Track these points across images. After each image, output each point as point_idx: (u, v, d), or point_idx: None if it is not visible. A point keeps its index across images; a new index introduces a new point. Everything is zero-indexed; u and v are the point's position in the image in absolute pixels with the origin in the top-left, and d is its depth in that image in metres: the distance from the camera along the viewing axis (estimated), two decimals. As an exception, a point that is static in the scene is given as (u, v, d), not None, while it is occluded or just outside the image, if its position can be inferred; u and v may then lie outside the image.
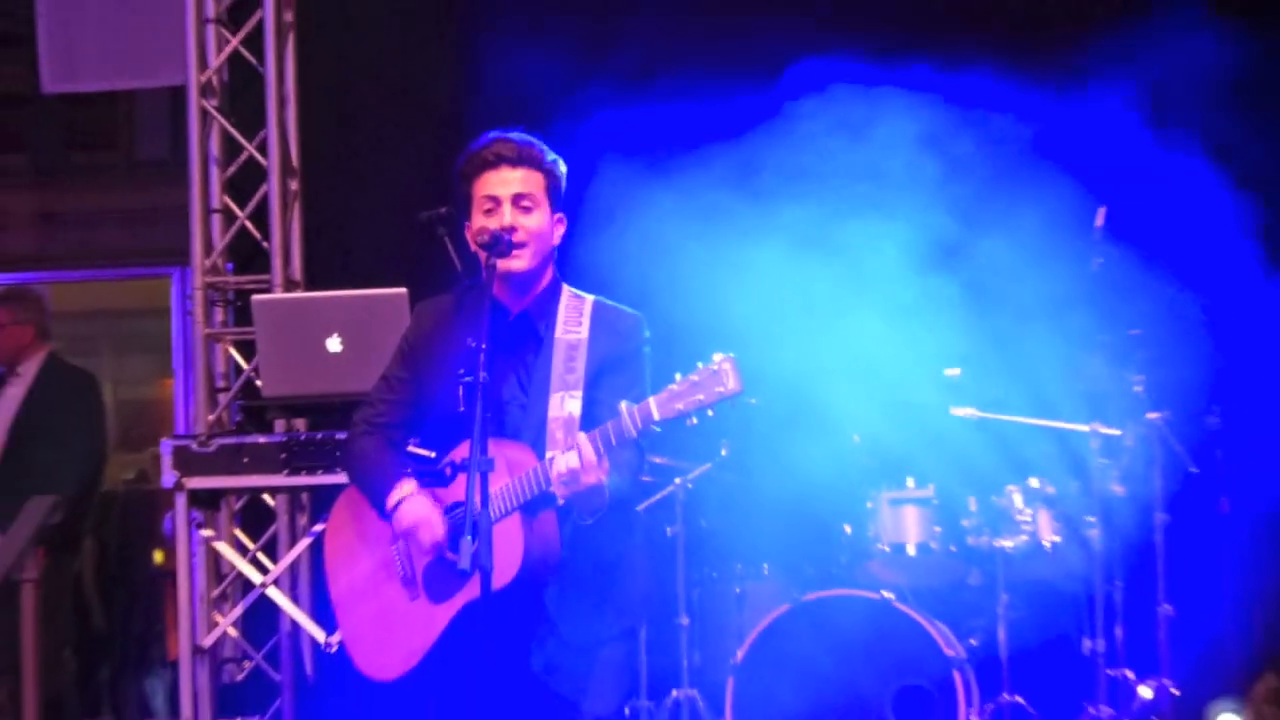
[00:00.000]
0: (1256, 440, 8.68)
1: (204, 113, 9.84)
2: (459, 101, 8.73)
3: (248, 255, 9.86)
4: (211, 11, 9.90)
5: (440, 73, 9.71)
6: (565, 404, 5.98)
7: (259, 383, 9.19)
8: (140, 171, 11.17)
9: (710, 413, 5.64)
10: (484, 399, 5.55)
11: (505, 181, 5.96)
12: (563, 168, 5.98)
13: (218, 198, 9.87)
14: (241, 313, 9.60)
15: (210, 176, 9.88)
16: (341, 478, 7.12)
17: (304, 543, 9.05)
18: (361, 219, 9.59)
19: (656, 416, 5.58)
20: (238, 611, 9.37)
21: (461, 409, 5.88)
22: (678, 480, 8.70)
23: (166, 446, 9.12)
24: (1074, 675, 8.51)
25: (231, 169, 9.90)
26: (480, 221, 5.93)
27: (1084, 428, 8.51)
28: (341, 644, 6.45)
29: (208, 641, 9.35)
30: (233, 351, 9.68)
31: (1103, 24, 8.98)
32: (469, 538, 5.33)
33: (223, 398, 9.76)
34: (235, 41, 9.95)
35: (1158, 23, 8.47)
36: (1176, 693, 8.33)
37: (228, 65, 10.01)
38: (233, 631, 9.53)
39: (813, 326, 8.41)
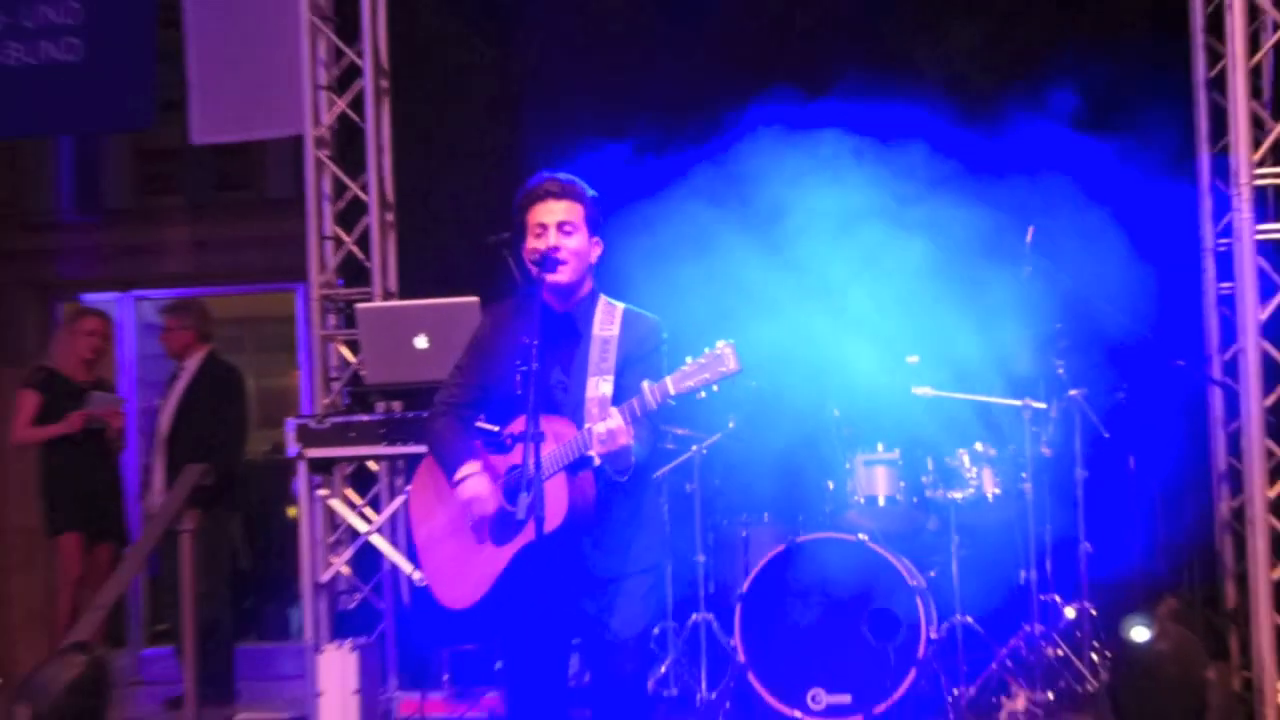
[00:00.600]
0: (1154, 412, 8.62)
1: (318, 161, 9.81)
2: (515, 148, 8.61)
3: (354, 273, 9.83)
4: (323, 80, 9.87)
5: (500, 123, 9.60)
6: (599, 386, 6.08)
7: (363, 373, 9.27)
8: (271, 207, 11.07)
9: (715, 388, 5.81)
10: (535, 383, 5.70)
11: (551, 211, 6.05)
12: (596, 198, 6.06)
13: (329, 228, 9.83)
14: (349, 318, 9.53)
15: (324, 211, 9.85)
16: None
17: (399, 499, 9.10)
18: (442, 242, 9.59)
19: (672, 391, 5.75)
20: (348, 554, 9.40)
21: (518, 391, 5.85)
22: (695, 447, 8.70)
23: (291, 425, 9.12)
24: (1012, 600, 8.52)
25: (340, 204, 9.85)
26: (532, 243, 6.05)
27: (1017, 402, 8.50)
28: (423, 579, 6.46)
29: (325, 578, 9.39)
30: (343, 349, 9.68)
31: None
32: (525, 494, 5.53)
33: (335, 386, 9.76)
34: (342, 103, 9.89)
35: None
36: (1094, 612, 8.35)
37: (336, 122, 9.88)
38: (345, 570, 9.51)
39: (800, 324, 8.32)
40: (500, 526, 6.06)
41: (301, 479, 9.48)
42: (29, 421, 10.84)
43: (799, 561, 8.31)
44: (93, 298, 14.14)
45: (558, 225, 6.01)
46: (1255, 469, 7.74)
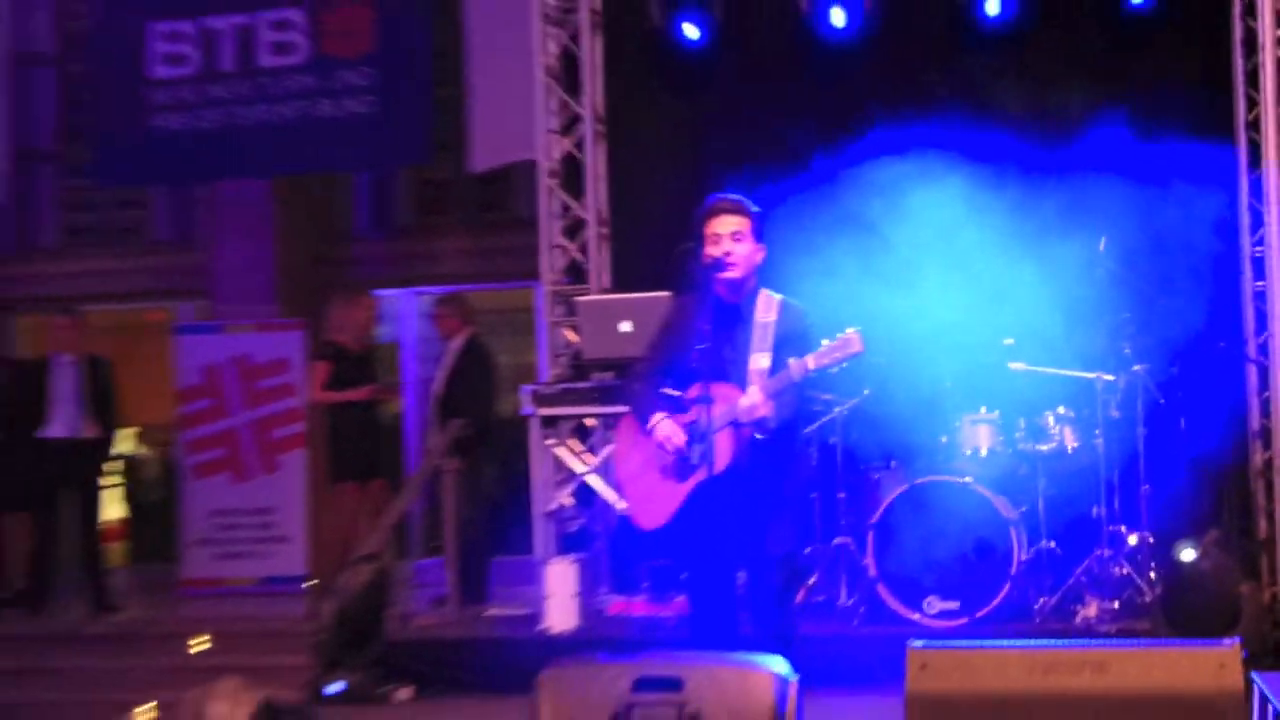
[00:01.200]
0: (1201, 383, 8.54)
1: (549, 188, 9.88)
2: (698, 174, 8.67)
3: (576, 273, 9.92)
4: (554, 125, 9.94)
5: (686, 155, 9.78)
6: (759, 360, 6.19)
7: (582, 351, 9.36)
8: (516, 223, 11.21)
9: (845, 365, 6.00)
10: (709, 358, 6.01)
11: (724, 223, 6.21)
12: (760, 213, 6.24)
13: (557, 239, 9.92)
14: (572, 308, 9.61)
15: (553, 226, 9.93)
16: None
17: (609, 448, 9.03)
18: (642, 249, 9.57)
19: (811, 367, 5.97)
20: (570, 489, 9.50)
21: (695, 364, 6.05)
22: (837, 409, 8.69)
23: (526, 390, 9.28)
24: (1086, 530, 8.48)
25: (566, 220, 9.94)
26: (709, 249, 6.21)
27: (1092, 375, 8.41)
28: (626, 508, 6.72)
29: (552, 508, 9.51)
30: (567, 332, 9.77)
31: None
32: (699, 443, 6.01)
33: (561, 360, 9.87)
34: (567, 144, 9.99)
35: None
36: (1151, 540, 8.24)
37: (563, 157, 9.95)
38: (568, 501, 9.61)
39: (922, 312, 8.45)
40: (680, 468, 6.22)
41: (534, 432, 9.56)
42: (321, 386, 11.00)
43: (918, 498, 8.32)
44: (383, 293, 14.35)
45: (730, 234, 6.16)
46: (1277, 423, 7.65)
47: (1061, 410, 8.52)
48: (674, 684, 4.70)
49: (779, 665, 4.82)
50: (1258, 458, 8.18)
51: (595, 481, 9.22)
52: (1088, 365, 8.46)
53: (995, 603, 8.03)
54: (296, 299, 13.79)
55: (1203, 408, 8.54)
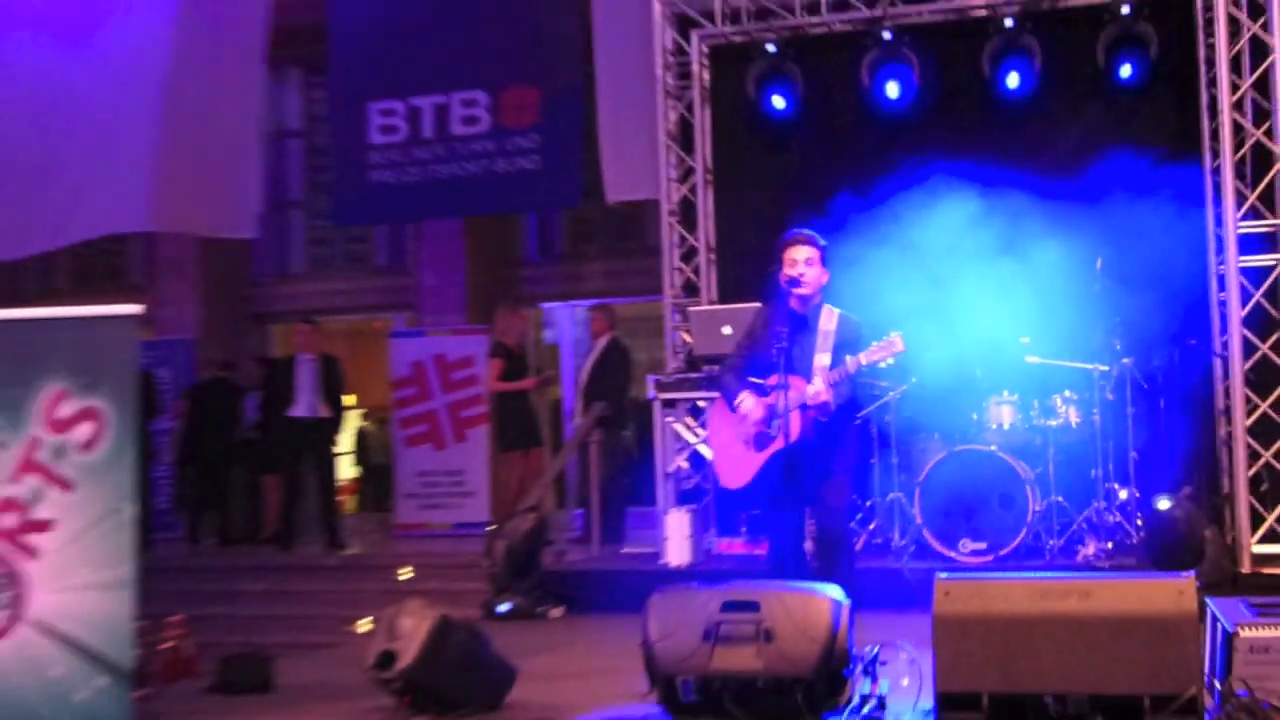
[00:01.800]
0: (1177, 372, 8.41)
1: (670, 224, 9.95)
2: (783, 211, 8.58)
3: (690, 289, 9.90)
4: (675, 175, 9.92)
5: (775, 196, 9.66)
6: (821, 359, 6.17)
7: (694, 349, 9.32)
8: (646, 249, 11.16)
9: (891, 360, 6.11)
10: (783, 355, 5.97)
11: (798, 252, 6.21)
12: (826, 245, 6.24)
13: (676, 263, 9.95)
14: (686, 316, 9.61)
15: (673, 253, 9.96)
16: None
17: None
18: (740, 270, 9.56)
19: (863, 362, 6.05)
20: (684, 455, 9.48)
21: (774, 359, 6.04)
22: (891, 394, 8.58)
23: (651, 379, 9.28)
24: (1086, 487, 8.32)
25: (682, 248, 9.99)
26: (786, 271, 6.20)
27: (1090, 366, 8.29)
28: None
29: (670, 469, 9.55)
30: (684, 335, 9.73)
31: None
32: (776, 420, 6.01)
33: (678, 356, 9.82)
34: (683, 189, 9.99)
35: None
36: (1137, 494, 8.15)
37: (680, 199, 9.98)
38: (683, 464, 9.60)
39: (957, 318, 8.23)
40: (760, 439, 6.24)
41: (657, 411, 9.56)
42: (496, 378, 11.09)
43: (954, 462, 8.23)
44: (546, 305, 14.44)
45: (803, 260, 6.16)
46: (1238, 407, 7.55)
47: (1067, 394, 8.41)
48: (753, 606, 4.73)
49: (836, 592, 4.86)
50: (1222, 430, 8.02)
51: (704, 449, 9.16)
52: (1087, 358, 8.34)
53: (1015, 544, 7.96)
54: (480, 310, 13.92)
55: (1178, 392, 8.44)
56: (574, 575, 8.81)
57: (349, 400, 13.13)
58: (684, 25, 9.97)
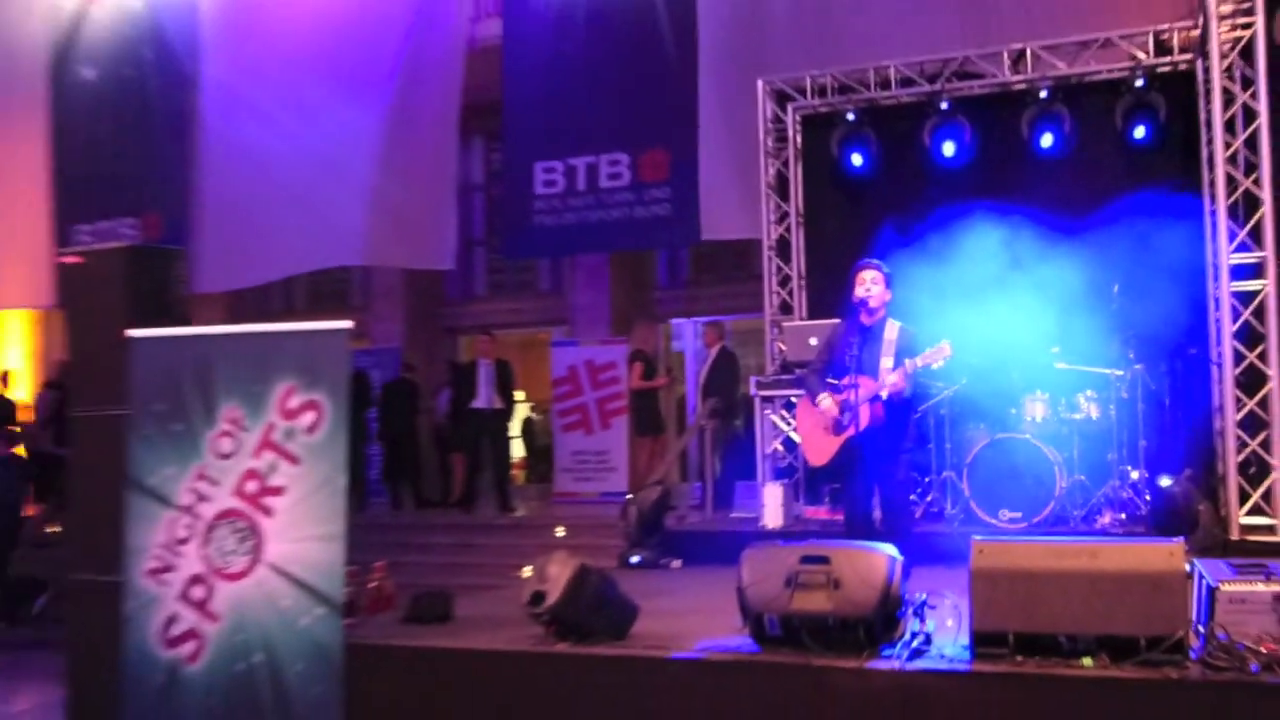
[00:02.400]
0: (1181, 376, 8.21)
1: (770, 257, 9.90)
2: (859, 245, 8.43)
3: (785, 309, 9.90)
4: (773, 218, 9.87)
5: (853, 232, 9.41)
6: (885, 362, 6.14)
7: (787, 355, 9.24)
8: (753, 277, 10.97)
9: (942, 363, 6.05)
10: (855, 360, 6.07)
11: (867, 277, 6.23)
12: (890, 272, 6.26)
13: (775, 288, 9.89)
14: (783, 330, 9.54)
15: (772, 280, 9.91)
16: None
17: None
18: (825, 293, 9.48)
19: (919, 365, 6.00)
20: (779, 439, 9.46)
21: (847, 364, 6.12)
22: (945, 391, 8.43)
23: (754, 380, 9.32)
24: (1104, 469, 8.11)
25: (779, 276, 9.93)
26: (857, 291, 6.18)
27: (1108, 370, 8.13)
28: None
29: (768, 451, 9.51)
30: (780, 344, 9.68)
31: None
32: (849, 411, 6.06)
33: (775, 362, 9.74)
34: (780, 229, 9.88)
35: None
36: (1145, 474, 7.88)
37: (777, 237, 9.90)
38: (779, 447, 9.55)
39: (1000, 329, 8.01)
40: (836, 427, 6.22)
41: (758, 405, 9.52)
42: (637, 379, 11.17)
43: (996, 447, 8.07)
44: (675, 321, 14.48)
45: (870, 282, 6.17)
46: (1229, 405, 7.34)
47: (1089, 393, 8.21)
48: (825, 560, 4.73)
49: (892, 550, 4.83)
50: (1217, 424, 7.76)
51: (794, 435, 9.12)
52: (1106, 364, 8.15)
53: (1044, 514, 7.78)
54: (621, 325, 14.03)
55: (1181, 392, 8.19)
56: (691, 534, 8.81)
57: (519, 395, 13.35)
58: (781, 99, 9.95)
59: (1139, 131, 8.73)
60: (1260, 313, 7.22)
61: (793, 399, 9.34)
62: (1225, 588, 4.29)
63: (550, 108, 12.52)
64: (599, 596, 5.15)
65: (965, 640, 4.54)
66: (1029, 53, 9.11)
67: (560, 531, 10.24)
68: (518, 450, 15.62)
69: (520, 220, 12.76)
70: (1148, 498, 7.63)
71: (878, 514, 6.29)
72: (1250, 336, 7.26)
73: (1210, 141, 7.55)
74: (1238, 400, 7.25)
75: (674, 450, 11.05)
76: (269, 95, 13.59)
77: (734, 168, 11.10)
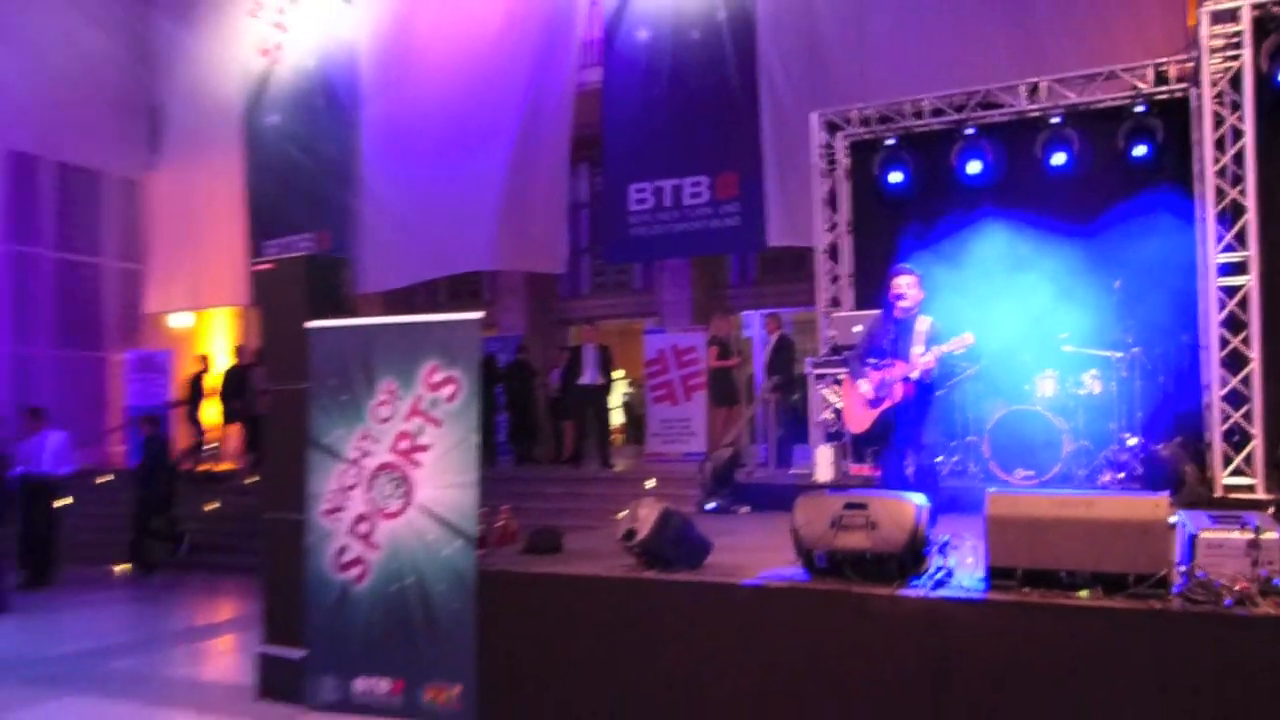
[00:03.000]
0: (1175, 358, 8.02)
1: (821, 260, 9.77)
2: (896, 250, 8.37)
3: (835, 302, 9.79)
4: (825, 227, 9.76)
5: (889, 242, 9.27)
6: (916, 349, 6.08)
7: (836, 340, 9.12)
8: (808, 276, 10.69)
9: (964, 350, 6.00)
10: (891, 346, 6.08)
11: (902, 281, 6.15)
12: (921, 274, 6.22)
13: (826, 284, 9.73)
14: (832, 320, 9.40)
15: (824, 278, 9.76)
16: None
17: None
18: (868, 289, 9.36)
19: (945, 350, 5.94)
20: (829, 410, 9.28)
21: (884, 349, 6.15)
22: (969, 370, 8.14)
23: (809, 361, 9.23)
24: (1105, 435, 7.86)
25: (830, 275, 9.73)
26: (895, 292, 6.10)
27: (1110, 353, 7.90)
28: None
29: (820, 419, 9.34)
30: (830, 332, 9.47)
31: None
32: (885, 386, 6.05)
33: (826, 345, 9.54)
34: (831, 237, 9.73)
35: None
36: (1142, 441, 7.63)
37: (828, 244, 9.77)
38: (830, 416, 9.32)
39: (1014, 319, 7.93)
40: (875, 402, 6.19)
41: (811, 382, 9.43)
42: (714, 360, 11.16)
43: (1012, 417, 7.91)
44: (744, 313, 14.40)
45: (905, 284, 6.13)
46: (1215, 382, 7.09)
47: (1094, 372, 7.99)
48: (863, 506, 4.71)
49: (920, 499, 4.80)
50: (1205, 398, 7.50)
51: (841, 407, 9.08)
52: (1108, 347, 7.93)
53: (1053, 472, 7.62)
54: (701, 316, 14.00)
55: (1174, 372, 7.99)
56: (756, 486, 8.79)
57: (617, 373, 13.40)
58: (832, 128, 9.83)
59: (1139, 150, 8.48)
60: (1244, 304, 6.98)
61: (839, 376, 9.28)
62: (1205, 534, 4.20)
63: (641, 139, 12.54)
64: (680, 534, 5.19)
65: (981, 574, 4.51)
66: (1043, 85, 8.90)
67: (650, 483, 10.31)
68: (616, 418, 15.71)
69: (618, 231, 12.81)
70: (1142, 461, 7.46)
71: (910, 471, 6.25)
72: (1234, 324, 7.03)
73: (1202, 158, 7.31)
74: (1222, 379, 7.03)
75: (743, 418, 11.04)
76: (416, 134, 13.88)
77: (792, 186, 11.05)
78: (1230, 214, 7.14)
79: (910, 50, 10.59)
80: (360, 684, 5.49)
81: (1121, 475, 7.54)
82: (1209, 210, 7.09)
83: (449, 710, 5.30)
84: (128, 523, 11.15)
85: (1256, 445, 6.89)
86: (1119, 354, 7.85)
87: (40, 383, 14.98)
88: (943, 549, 4.77)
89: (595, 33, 13.17)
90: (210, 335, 17.63)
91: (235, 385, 13.22)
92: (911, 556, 4.58)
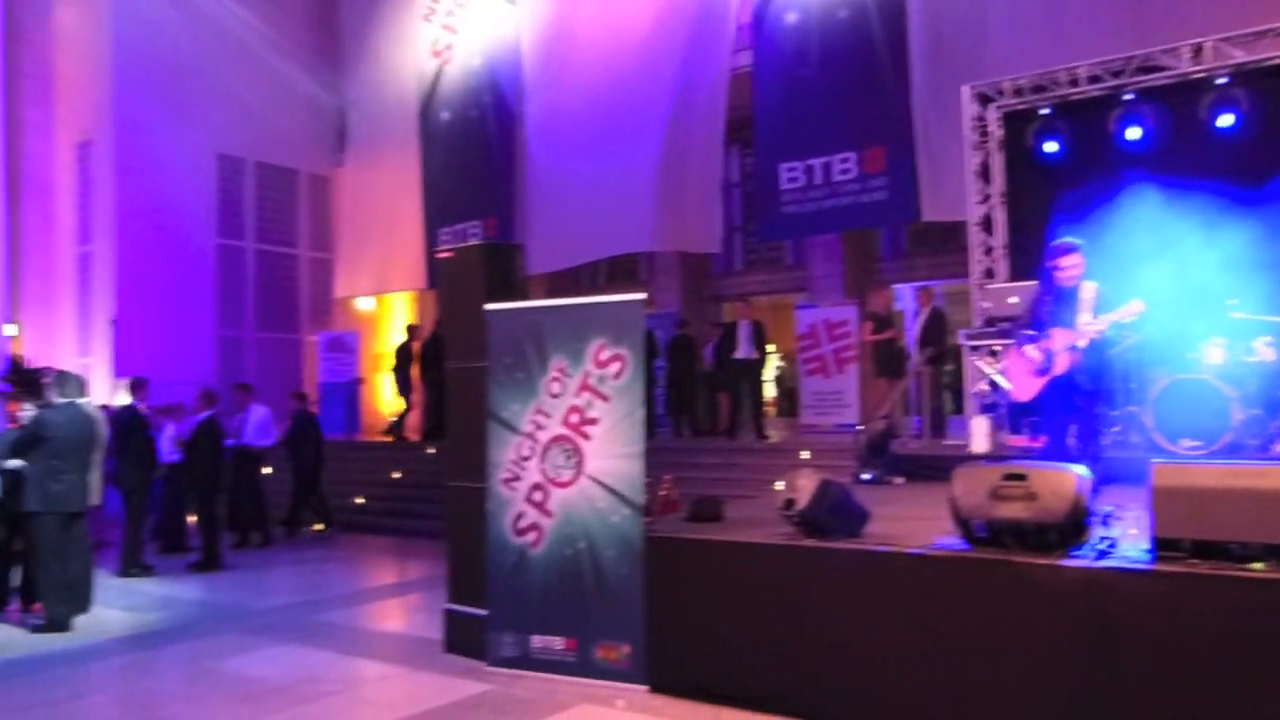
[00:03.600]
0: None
1: (976, 231, 9.45)
2: (1051, 221, 8.03)
3: (989, 274, 9.43)
4: (978, 199, 9.46)
5: (1044, 213, 8.83)
6: (1083, 317, 5.94)
7: (991, 311, 8.79)
8: (960, 248, 10.36)
9: (1133, 319, 5.83)
10: (1056, 316, 5.93)
11: (1067, 260, 6.00)
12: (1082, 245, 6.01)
13: (979, 256, 9.45)
14: (986, 291, 9.09)
15: (977, 250, 9.47)
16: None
17: (1006, 361, 8.39)
18: (1022, 260, 9.15)
19: (1111, 319, 5.82)
20: (985, 381, 9.04)
21: (1049, 319, 6.05)
22: (1134, 338, 7.77)
23: (963, 333, 8.88)
24: (1276, 404, 7.34)
25: (983, 247, 9.37)
26: (1059, 265, 6.02)
27: (1282, 319, 7.35)
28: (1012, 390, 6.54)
29: (975, 390, 9.07)
30: (985, 303, 9.11)
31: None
32: (1051, 357, 5.90)
33: (981, 318, 9.14)
34: (984, 209, 9.41)
35: None
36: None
37: (982, 216, 9.42)
38: (985, 387, 9.12)
39: (1189, 287, 7.54)
40: (1041, 370, 6.06)
41: (966, 353, 9.20)
42: (870, 334, 10.98)
43: (1179, 386, 7.49)
44: (897, 286, 14.09)
45: (1071, 264, 5.97)
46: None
47: (1266, 339, 7.49)
48: (1023, 477, 4.59)
49: (1081, 470, 4.64)
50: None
51: (999, 378, 8.80)
52: (1278, 312, 7.44)
53: (1221, 442, 7.19)
54: (853, 290, 13.79)
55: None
56: (912, 457, 8.67)
57: (771, 348, 13.34)
58: (984, 100, 9.50)
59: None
60: None
61: (994, 348, 9.01)
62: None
63: (791, 119, 12.42)
64: (838, 503, 5.16)
65: (1146, 545, 4.31)
66: (1208, 46, 8.34)
67: (805, 454, 10.25)
68: (770, 391, 15.67)
69: (769, 209, 12.75)
70: (1316, 427, 6.97)
71: (1072, 441, 6.04)
72: None
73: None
74: None
75: (897, 390, 10.81)
76: (575, 124, 14.19)
77: (941, 160, 10.73)
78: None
79: (1063, 17, 10.08)
80: (537, 641, 5.71)
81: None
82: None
83: (619, 668, 5.47)
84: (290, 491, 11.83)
85: None
86: (1295, 321, 7.34)
87: (244, 362, 16.17)
88: (1105, 520, 4.60)
89: (744, 17, 13.09)
90: (390, 317, 18.50)
91: (432, 355, 13.56)
92: (1073, 527, 4.43)
